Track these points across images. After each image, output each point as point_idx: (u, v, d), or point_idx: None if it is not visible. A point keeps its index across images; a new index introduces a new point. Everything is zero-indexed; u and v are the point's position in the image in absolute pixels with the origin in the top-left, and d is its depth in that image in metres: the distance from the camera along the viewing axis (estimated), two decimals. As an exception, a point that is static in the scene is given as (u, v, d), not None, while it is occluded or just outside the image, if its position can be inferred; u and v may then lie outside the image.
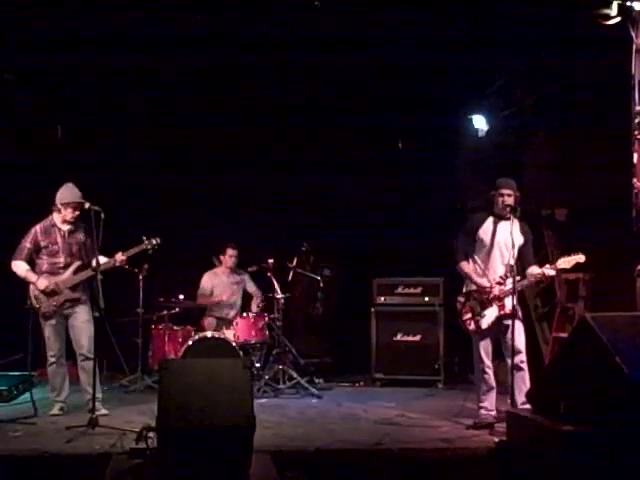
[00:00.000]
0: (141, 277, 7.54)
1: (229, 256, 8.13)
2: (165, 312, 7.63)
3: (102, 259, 6.27)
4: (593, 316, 4.56)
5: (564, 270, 5.98)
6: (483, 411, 5.92)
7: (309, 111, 8.47)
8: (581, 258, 5.77)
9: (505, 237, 5.84)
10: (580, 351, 4.56)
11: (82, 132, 8.59)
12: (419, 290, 8.34)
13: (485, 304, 5.90)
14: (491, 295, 5.89)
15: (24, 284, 6.29)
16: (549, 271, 5.86)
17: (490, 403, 5.94)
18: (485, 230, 5.98)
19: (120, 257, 6.30)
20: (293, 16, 6.25)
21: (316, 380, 8.05)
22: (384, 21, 6.42)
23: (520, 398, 5.58)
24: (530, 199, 7.48)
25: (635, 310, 5.58)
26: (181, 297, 7.68)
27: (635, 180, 5.73)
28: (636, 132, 5.74)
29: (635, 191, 5.71)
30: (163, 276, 7.71)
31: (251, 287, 8.30)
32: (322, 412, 6.63)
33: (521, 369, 5.79)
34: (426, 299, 8.28)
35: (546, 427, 4.53)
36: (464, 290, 6.09)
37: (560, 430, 4.34)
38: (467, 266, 6.02)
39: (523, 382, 5.74)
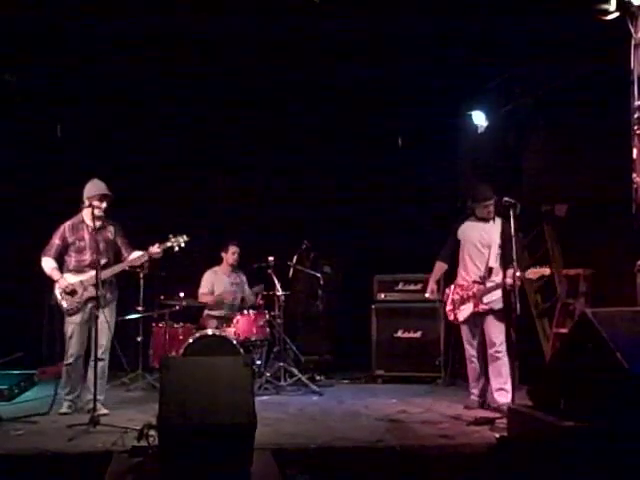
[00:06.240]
0: (142, 275, 7.55)
1: (232, 253, 8.10)
2: (166, 310, 7.63)
3: (136, 253, 6.32)
4: (593, 312, 4.56)
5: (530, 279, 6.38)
6: (472, 397, 6.47)
7: (308, 109, 8.46)
8: (546, 271, 6.14)
9: (479, 237, 6.35)
10: (580, 347, 4.56)
11: (82, 131, 8.61)
12: (419, 287, 8.31)
13: (464, 300, 6.40)
14: (470, 293, 6.35)
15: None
16: (509, 280, 6.14)
17: (478, 390, 6.40)
18: (462, 230, 6.53)
19: (154, 250, 6.26)
20: (292, 13, 6.26)
21: (317, 377, 8.08)
22: (383, 17, 6.42)
23: (494, 385, 6.21)
24: (530, 195, 7.49)
25: (635, 305, 5.55)
26: (181, 295, 7.69)
27: (635, 175, 5.71)
28: (635, 127, 5.72)
29: (635, 186, 5.68)
30: (163, 274, 7.70)
31: (246, 290, 8.27)
32: (323, 409, 6.63)
33: (497, 359, 6.22)
34: (426, 295, 8.26)
35: (547, 423, 4.53)
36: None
37: (561, 425, 4.34)
38: (438, 269, 6.71)
39: (498, 372, 6.20)
